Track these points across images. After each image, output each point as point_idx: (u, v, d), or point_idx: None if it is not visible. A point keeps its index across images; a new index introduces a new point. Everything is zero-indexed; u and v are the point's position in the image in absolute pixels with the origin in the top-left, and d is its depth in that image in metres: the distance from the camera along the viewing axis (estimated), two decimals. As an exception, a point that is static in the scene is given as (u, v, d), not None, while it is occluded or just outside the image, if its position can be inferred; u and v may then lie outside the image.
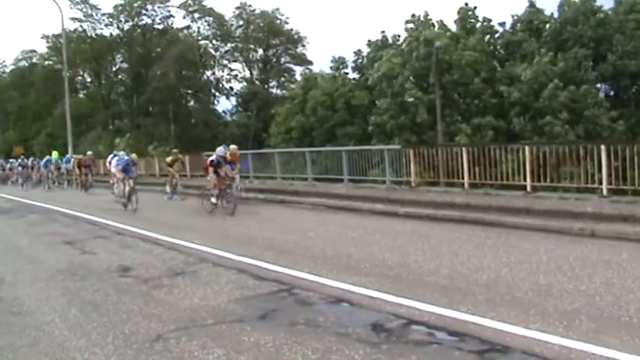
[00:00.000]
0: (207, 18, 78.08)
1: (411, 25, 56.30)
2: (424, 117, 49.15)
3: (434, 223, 15.53)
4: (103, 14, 77.09)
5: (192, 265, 11.93)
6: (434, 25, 55.42)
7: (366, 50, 62.00)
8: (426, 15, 56.38)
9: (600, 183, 16.15)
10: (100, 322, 8.40)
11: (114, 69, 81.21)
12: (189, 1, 77.27)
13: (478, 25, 55.01)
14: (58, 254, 14.33)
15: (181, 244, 14.40)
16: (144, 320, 8.36)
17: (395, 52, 53.58)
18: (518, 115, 46.99)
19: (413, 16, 56.69)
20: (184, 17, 78.39)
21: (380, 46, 59.12)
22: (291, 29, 77.43)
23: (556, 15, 51.77)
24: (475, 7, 55.66)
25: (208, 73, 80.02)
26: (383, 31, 60.84)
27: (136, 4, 75.98)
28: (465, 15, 55.33)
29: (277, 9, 76.90)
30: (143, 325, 8.13)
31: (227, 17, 78.27)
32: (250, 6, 77.25)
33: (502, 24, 55.02)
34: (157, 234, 16.16)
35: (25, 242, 17.11)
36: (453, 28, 55.36)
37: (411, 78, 51.31)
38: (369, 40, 61.58)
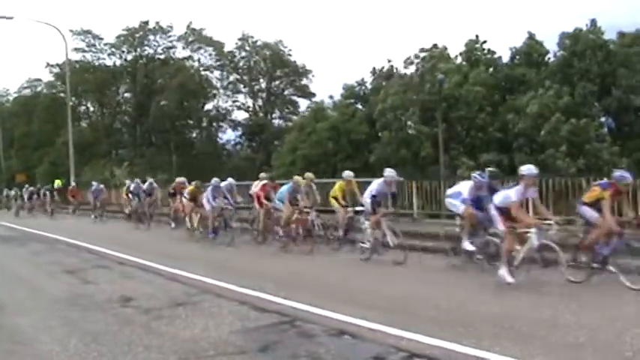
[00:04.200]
0: (207, 48, 78.32)
1: (424, 54, 55.99)
2: (428, 151, 49.12)
3: (435, 256, 15.44)
4: (106, 44, 77.54)
5: (194, 296, 11.90)
6: (449, 58, 55.18)
7: (369, 79, 61.59)
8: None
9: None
10: (100, 352, 8.34)
11: (117, 98, 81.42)
12: (188, 31, 77.61)
13: (483, 58, 54.97)
14: (60, 283, 14.29)
15: (182, 274, 14.39)
16: (145, 351, 8.31)
17: (402, 84, 53.40)
18: (520, 149, 46.98)
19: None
20: (184, 48, 78.75)
21: (385, 75, 58.85)
22: (295, 61, 77.58)
23: (555, 47, 52.10)
24: (485, 41, 55.72)
25: (211, 103, 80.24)
26: (390, 60, 60.07)
27: (137, 35, 76.41)
28: (472, 47, 55.31)
29: (280, 41, 77.04)
30: (144, 356, 8.10)
31: (230, 48, 78.55)
32: (252, 37, 77.55)
33: (499, 58, 55.11)
34: (157, 264, 16.15)
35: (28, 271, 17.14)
36: (458, 59, 55.37)
37: (417, 111, 51.24)
38: (373, 69, 61.06)
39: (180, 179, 26.87)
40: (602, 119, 50.09)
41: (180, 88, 71.34)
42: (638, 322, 8.72)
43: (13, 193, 50.30)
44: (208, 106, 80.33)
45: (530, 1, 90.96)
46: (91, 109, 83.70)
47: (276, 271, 14.79)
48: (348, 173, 19.90)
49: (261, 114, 79.46)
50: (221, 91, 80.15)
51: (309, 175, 20.45)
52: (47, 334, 9.50)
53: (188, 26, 77.45)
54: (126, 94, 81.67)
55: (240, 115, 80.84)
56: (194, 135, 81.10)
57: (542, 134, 45.31)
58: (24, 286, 14.52)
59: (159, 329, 9.47)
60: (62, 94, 71.63)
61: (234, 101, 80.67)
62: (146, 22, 76.08)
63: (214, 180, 22.86)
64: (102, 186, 38.90)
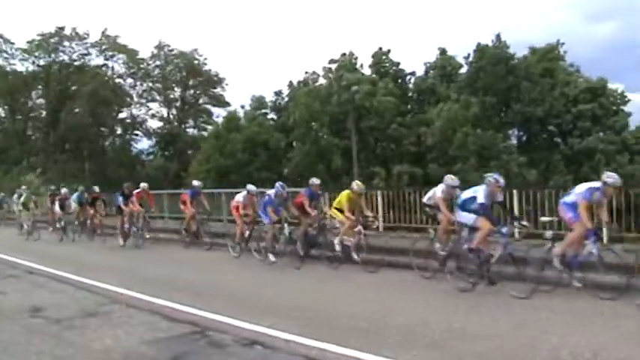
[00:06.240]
0: (120, 56, 77.26)
1: (333, 66, 56.29)
2: (339, 163, 49.39)
3: (346, 266, 15.54)
4: (17, 49, 75.77)
5: (105, 306, 11.79)
6: (356, 69, 55.54)
7: (286, 91, 61.80)
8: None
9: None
10: (9, 363, 8.25)
11: (29, 104, 79.64)
12: (103, 39, 76.41)
13: (391, 70, 55.63)
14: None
15: (94, 284, 14.20)
16: (55, 361, 8.24)
17: (312, 95, 53.58)
18: (434, 161, 47.68)
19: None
20: (98, 55, 77.47)
21: (300, 87, 59.05)
22: (210, 70, 77.30)
23: (463, 61, 53.23)
24: (389, 51, 56.35)
25: (125, 111, 79.21)
26: (307, 72, 60.29)
27: (52, 40, 74.89)
28: (380, 59, 55.89)
29: (196, 49, 76.66)
30: (54, 367, 8.03)
31: (145, 56, 77.70)
32: (168, 46, 76.97)
33: (412, 73, 55.97)
34: (69, 274, 15.88)
35: None
36: (368, 71, 55.85)
37: (326, 122, 51.52)
38: (290, 81, 61.34)
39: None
40: (510, 132, 51.29)
41: (92, 95, 70.28)
42: (548, 330, 8.99)
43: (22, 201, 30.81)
44: (123, 115, 79.42)
45: (447, 20, 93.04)
46: (2, 114, 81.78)
47: (191, 281, 14.73)
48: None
49: (175, 123, 78.92)
50: (135, 99, 79.33)
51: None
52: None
53: (103, 33, 76.38)
54: (39, 100, 80.00)
55: (154, 124, 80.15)
56: (107, 143, 80.00)
57: (453, 147, 46.13)
58: None
59: (70, 339, 9.38)
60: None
61: (148, 109, 79.96)
62: (62, 28, 74.66)
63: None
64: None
